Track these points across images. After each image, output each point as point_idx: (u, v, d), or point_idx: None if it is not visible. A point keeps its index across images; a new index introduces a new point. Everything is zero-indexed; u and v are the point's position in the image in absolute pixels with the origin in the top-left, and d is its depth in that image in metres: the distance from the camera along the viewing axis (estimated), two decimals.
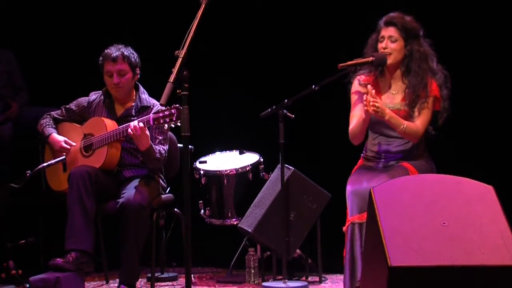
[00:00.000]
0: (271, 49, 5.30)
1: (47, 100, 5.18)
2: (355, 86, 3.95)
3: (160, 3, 5.55)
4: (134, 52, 4.27)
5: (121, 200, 3.99)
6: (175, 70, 2.99)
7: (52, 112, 4.42)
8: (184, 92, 3.02)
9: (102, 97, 4.35)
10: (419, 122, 3.76)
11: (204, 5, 3.13)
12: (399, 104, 3.83)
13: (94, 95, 4.41)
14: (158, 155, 4.11)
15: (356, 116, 3.86)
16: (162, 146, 4.19)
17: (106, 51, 4.25)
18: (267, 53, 5.31)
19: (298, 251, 4.50)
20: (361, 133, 3.85)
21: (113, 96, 4.32)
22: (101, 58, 4.26)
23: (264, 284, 4.25)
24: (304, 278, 4.57)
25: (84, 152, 4.25)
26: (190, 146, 3.15)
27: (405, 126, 3.71)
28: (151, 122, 3.94)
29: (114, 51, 4.21)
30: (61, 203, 4.12)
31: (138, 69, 4.28)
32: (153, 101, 4.32)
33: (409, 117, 3.79)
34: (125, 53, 4.22)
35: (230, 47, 5.38)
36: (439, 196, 2.87)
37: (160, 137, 4.19)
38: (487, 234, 2.75)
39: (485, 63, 4.68)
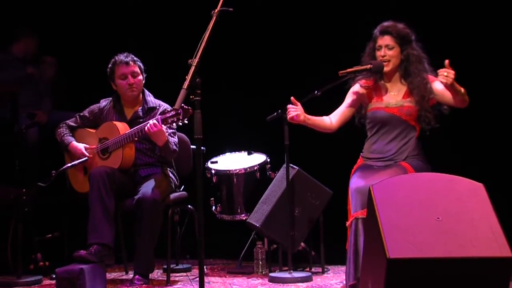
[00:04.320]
0: (277, 59, 5.28)
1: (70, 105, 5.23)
2: (356, 87, 3.97)
3: (171, 13, 5.58)
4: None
5: (137, 196, 4.03)
6: (188, 77, 3.00)
7: (67, 121, 4.45)
8: (197, 98, 3.03)
9: (112, 103, 4.40)
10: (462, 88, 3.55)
11: (215, 17, 3.13)
12: (402, 101, 3.83)
13: (104, 102, 4.45)
14: (174, 147, 4.18)
15: (338, 114, 3.95)
16: (173, 138, 4.24)
17: (116, 58, 4.31)
18: (273, 63, 5.28)
19: (302, 244, 4.48)
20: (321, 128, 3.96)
21: (122, 100, 4.36)
22: (110, 65, 4.30)
23: (271, 274, 4.24)
24: (308, 269, 4.55)
25: (101, 155, 4.29)
26: (202, 148, 3.16)
27: (463, 90, 3.54)
28: (160, 122, 4.00)
29: (124, 56, 4.30)
30: (83, 201, 4.14)
31: (144, 73, 4.36)
32: (158, 101, 4.38)
33: (414, 111, 3.78)
34: (135, 58, 4.32)
35: (241, 56, 5.36)
36: (434, 193, 2.87)
37: (170, 131, 4.24)
38: (478, 228, 2.75)
39: (478, 63, 4.62)
